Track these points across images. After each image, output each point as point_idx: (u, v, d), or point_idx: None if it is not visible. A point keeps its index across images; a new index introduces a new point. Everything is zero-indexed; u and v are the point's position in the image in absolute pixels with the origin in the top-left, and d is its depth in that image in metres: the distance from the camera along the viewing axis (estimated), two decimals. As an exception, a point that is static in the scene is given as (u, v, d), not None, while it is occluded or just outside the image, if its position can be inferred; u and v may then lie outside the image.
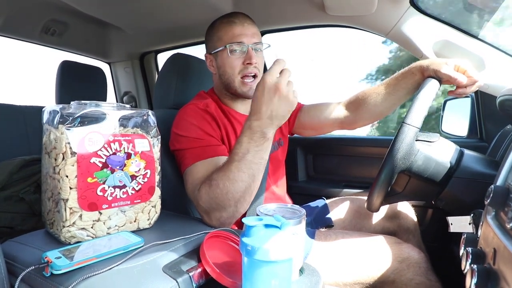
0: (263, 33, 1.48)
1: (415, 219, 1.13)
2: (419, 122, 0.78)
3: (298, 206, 0.63)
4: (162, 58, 2.01)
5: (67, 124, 0.58)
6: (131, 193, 0.65)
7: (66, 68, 1.43)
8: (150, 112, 0.70)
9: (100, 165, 0.60)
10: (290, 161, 1.26)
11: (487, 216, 0.51)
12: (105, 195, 0.61)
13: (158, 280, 0.50)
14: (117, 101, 2.08)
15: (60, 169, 0.57)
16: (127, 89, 2.07)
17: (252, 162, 0.69)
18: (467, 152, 0.83)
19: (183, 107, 0.95)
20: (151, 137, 0.69)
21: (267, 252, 0.44)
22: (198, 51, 1.70)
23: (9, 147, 1.16)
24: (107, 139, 0.61)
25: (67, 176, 0.57)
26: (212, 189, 0.72)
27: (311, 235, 0.96)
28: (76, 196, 0.58)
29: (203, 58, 1.05)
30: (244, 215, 0.88)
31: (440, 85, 0.84)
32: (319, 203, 1.21)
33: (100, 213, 0.61)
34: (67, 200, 0.57)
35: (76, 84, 1.44)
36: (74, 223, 0.58)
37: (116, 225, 0.64)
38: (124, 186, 0.64)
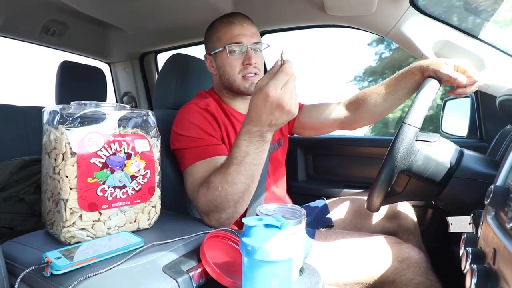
0: (263, 34, 1.48)
1: (415, 219, 1.13)
2: (419, 122, 0.78)
3: (298, 206, 0.62)
4: (162, 58, 2.01)
5: (67, 125, 0.58)
6: (131, 193, 0.65)
7: (66, 69, 1.43)
8: (150, 113, 0.70)
9: (100, 165, 0.60)
10: (290, 161, 1.26)
11: (487, 216, 0.51)
12: (105, 195, 0.61)
13: (158, 280, 0.50)
14: (117, 102, 2.08)
15: (60, 170, 0.57)
16: (127, 89, 2.06)
17: (252, 164, 0.69)
18: (467, 152, 0.83)
19: (183, 106, 0.94)
20: (151, 138, 0.69)
21: (267, 252, 0.44)
22: (198, 51, 1.70)
23: (9, 147, 1.16)
24: (107, 139, 0.61)
25: (67, 177, 0.57)
26: (210, 192, 0.72)
27: (311, 235, 0.95)
28: (76, 196, 0.58)
29: (203, 58, 1.05)
30: (244, 215, 0.88)
31: (440, 85, 0.84)
32: (319, 203, 1.21)
33: (100, 213, 0.61)
34: (67, 200, 0.57)
35: (76, 85, 1.44)
36: (74, 223, 0.59)
37: (116, 225, 0.64)
38: (124, 186, 0.64)
